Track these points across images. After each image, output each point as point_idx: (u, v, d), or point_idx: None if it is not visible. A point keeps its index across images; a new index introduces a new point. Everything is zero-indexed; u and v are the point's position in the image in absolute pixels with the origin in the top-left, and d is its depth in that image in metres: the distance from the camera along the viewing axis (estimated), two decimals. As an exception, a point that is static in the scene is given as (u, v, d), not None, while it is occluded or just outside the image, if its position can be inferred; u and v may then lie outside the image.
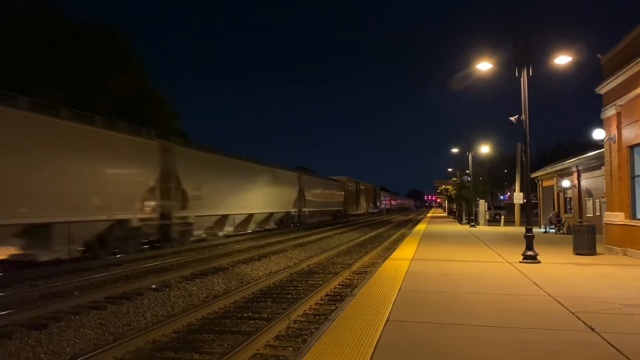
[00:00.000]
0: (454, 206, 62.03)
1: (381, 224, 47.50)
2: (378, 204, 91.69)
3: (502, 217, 37.02)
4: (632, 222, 13.96)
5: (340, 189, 56.78)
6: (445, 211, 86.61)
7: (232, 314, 9.08)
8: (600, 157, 18.01)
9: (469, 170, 39.02)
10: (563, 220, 25.51)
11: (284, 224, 36.05)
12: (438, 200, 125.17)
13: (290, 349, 6.87)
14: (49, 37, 30.12)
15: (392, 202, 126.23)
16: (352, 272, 14.09)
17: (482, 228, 32.72)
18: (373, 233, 32.30)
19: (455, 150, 45.96)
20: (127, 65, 35.89)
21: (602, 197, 19.50)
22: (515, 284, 9.45)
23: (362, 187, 71.58)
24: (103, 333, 7.97)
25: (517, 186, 34.85)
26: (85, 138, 15.53)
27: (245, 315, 9.02)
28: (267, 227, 32.84)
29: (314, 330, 7.58)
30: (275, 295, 10.89)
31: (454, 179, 51.51)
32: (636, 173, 14.13)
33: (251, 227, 30.19)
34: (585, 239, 14.40)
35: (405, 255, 14.62)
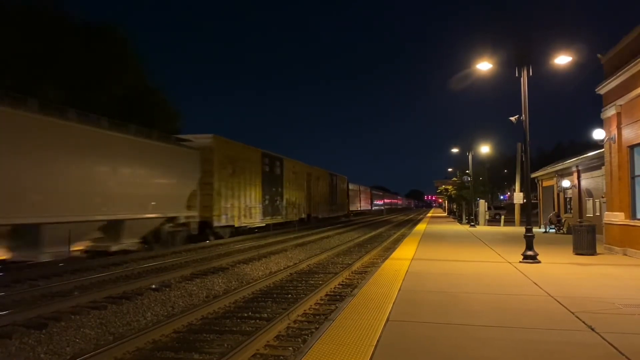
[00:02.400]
0: (454, 206, 62.01)
1: (381, 224, 47.54)
2: (347, 201, 59.59)
3: (502, 217, 37.01)
4: (632, 222, 13.97)
5: (193, 167, 21.64)
6: (445, 211, 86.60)
7: (232, 314, 9.08)
8: (600, 157, 18.01)
9: (469, 170, 39.04)
10: (563, 220, 25.51)
11: None
12: (439, 200, 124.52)
13: (291, 348, 6.88)
14: (50, 36, 30.10)
15: (378, 202, 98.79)
16: (352, 272, 14.08)
17: (482, 228, 32.73)
18: (373, 233, 32.32)
19: (455, 150, 46.00)
20: (127, 65, 35.89)
21: (602, 197, 19.50)
22: (515, 284, 9.45)
23: (297, 168, 38.03)
24: (103, 333, 7.97)
25: (517, 186, 34.86)
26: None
27: (246, 315, 9.03)
28: None
29: (314, 330, 7.58)
30: (275, 295, 10.90)
31: (454, 179, 51.54)
32: (636, 173, 14.14)
33: None
34: (585, 239, 14.40)
35: (405, 255, 14.62)
